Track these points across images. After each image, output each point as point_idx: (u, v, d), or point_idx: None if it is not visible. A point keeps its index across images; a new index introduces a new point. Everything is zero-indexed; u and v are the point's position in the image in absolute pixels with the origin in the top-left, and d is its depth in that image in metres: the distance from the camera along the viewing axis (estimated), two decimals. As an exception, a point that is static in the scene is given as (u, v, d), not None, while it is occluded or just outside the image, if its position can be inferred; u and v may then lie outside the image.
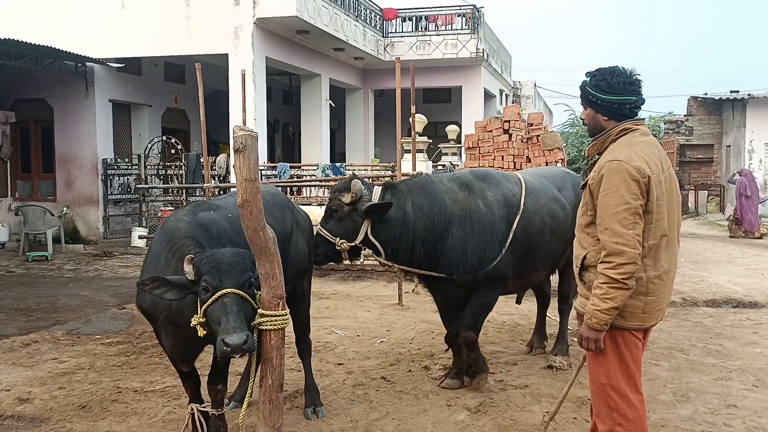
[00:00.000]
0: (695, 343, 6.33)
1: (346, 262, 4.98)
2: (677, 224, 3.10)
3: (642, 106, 3.10)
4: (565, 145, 14.82)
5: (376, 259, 4.89)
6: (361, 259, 4.91)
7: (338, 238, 4.64)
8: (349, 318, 7.45)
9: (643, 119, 3.17)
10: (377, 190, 4.74)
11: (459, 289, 4.89)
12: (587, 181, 3.09)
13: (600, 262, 2.94)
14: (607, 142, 3.10)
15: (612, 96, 3.04)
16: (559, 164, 11.53)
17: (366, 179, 5.15)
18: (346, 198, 4.62)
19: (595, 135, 3.16)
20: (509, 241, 4.81)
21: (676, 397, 4.87)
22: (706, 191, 23.12)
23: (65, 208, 14.27)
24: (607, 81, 3.05)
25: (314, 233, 4.75)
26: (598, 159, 3.10)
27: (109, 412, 4.59)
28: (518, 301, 6.22)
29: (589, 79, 3.12)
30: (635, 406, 3.01)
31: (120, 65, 14.27)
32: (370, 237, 4.65)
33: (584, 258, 3.09)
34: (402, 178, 8.29)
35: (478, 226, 4.75)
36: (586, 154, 3.41)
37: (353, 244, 4.66)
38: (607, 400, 3.04)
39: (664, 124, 25.14)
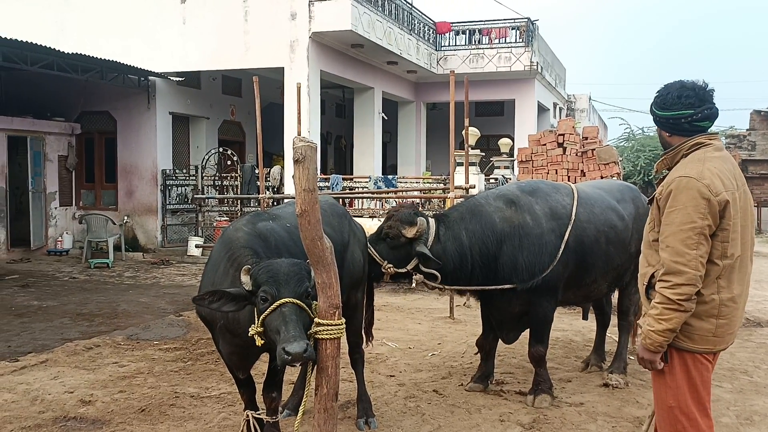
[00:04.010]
0: (759, 364, 6.10)
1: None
2: (750, 243, 2.96)
3: (709, 119, 2.95)
4: (621, 159, 14.52)
5: (426, 285, 4.87)
6: (413, 284, 4.91)
7: (386, 262, 4.68)
8: (401, 330, 7.45)
9: (717, 134, 3.04)
10: (432, 225, 4.77)
11: (513, 303, 4.89)
12: (654, 195, 2.99)
13: (658, 281, 2.84)
14: (677, 157, 2.99)
15: (666, 111, 2.98)
16: (614, 178, 11.32)
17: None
18: (409, 232, 4.64)
19: (666, 151, 3.07)
20: (561, 251, 4.78)
21: (739, 420, 4.69)
22: (770, 208, 22.26)
23: (126, 217, 14.73)
24: (662, 97, 3.00)
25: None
26: (667, 174, 2.99)
27: (167, 416, 4.71)
28: (585, 317, 6.12)
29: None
30: (704, 431, 2.89)
31: (180, 79, 14.70)
32: (422, 267, 4.68)
33: (651, 276, 2.96)
34: (455, 191, 8.29)
35: (526, 241, 4.77)
36: (656, 169, 3.30)
37: (399, 270, 4.70)
38: (674, 423, 2.91)
39: (725, 138, 24.35)
